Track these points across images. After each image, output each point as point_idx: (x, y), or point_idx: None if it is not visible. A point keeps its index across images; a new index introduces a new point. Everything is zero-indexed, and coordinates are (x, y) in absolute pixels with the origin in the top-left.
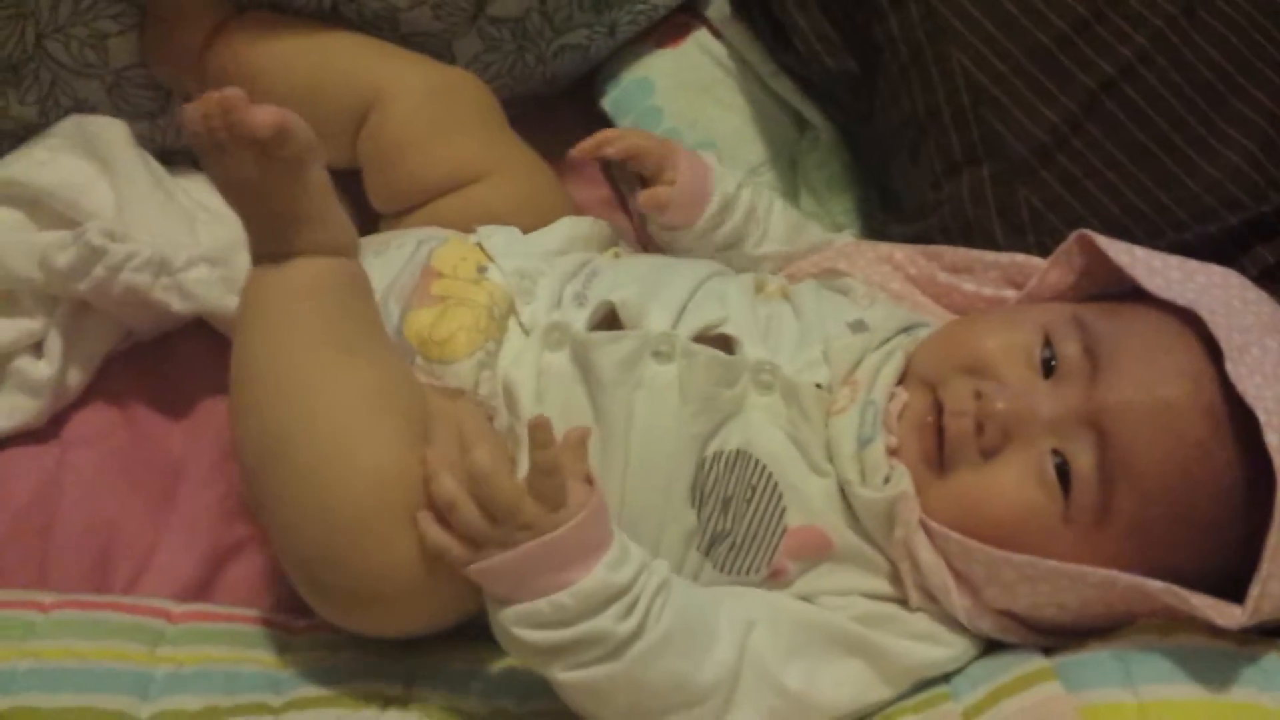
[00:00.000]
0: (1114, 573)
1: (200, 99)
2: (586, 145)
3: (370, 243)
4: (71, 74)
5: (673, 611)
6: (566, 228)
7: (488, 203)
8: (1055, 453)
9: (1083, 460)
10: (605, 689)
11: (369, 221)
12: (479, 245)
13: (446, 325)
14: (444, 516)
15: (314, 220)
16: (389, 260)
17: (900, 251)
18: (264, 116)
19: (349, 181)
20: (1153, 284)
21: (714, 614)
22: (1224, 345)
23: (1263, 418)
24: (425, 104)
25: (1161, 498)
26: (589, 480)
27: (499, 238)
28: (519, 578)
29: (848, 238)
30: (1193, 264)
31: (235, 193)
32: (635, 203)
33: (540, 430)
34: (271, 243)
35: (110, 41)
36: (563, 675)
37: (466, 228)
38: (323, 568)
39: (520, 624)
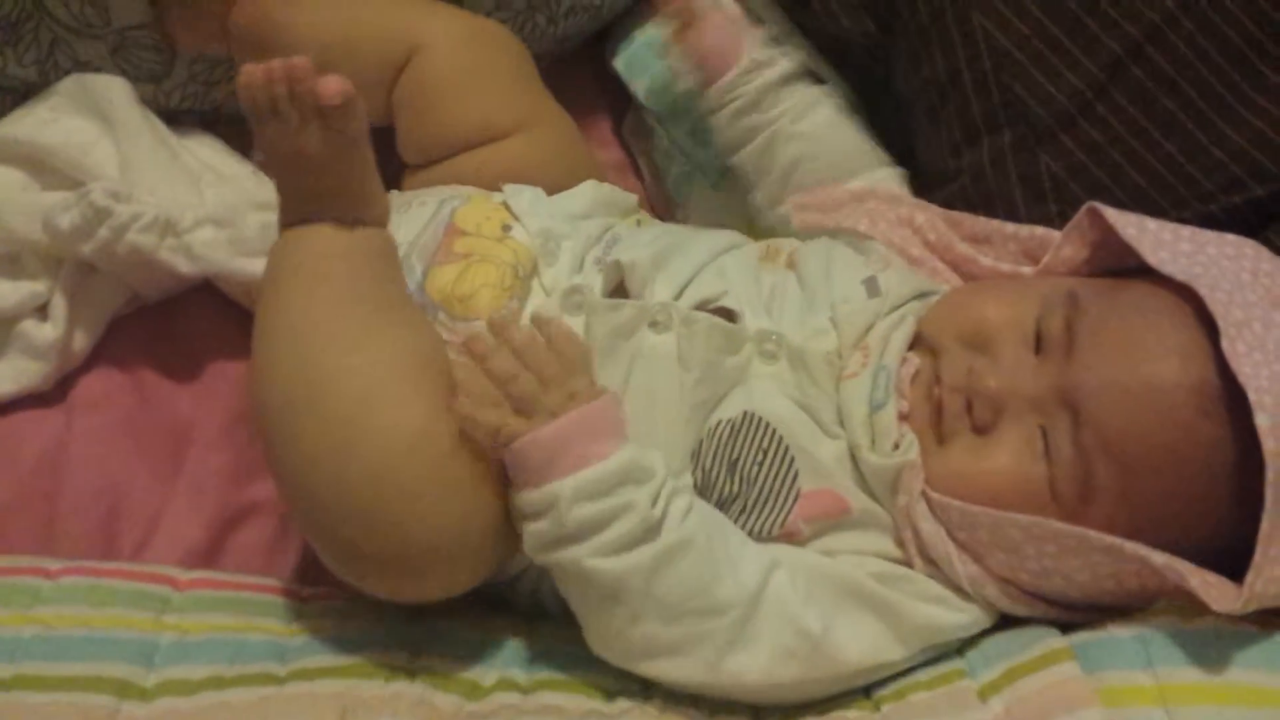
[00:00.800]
0: (1117, 540)
1: (264, 64)
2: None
3: (392, 201)
4: (72, 34)
5: (697, 522)
6: (590, 190)
7: (518, 157)
8: (1042, 429)
9: (1060, 438)
10: (624, 581)
11: (390, 178)
12: (504, 204)
13: (470, 281)
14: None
15: (356, 194)
16: (412, 218)
17: (921, 214)
18: (333, 86)
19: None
20: (1157, 258)
21: (739, 545)
22: (1220, 322)
23: (1253, 397)
24: (462, 51)
25: (1145, 474)
26: None
27: (524, 197)
28: (565, 444)
29: (886, 175)
30: (1206, 235)
31: (284, 162)
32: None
33: (554, 324)
34: (305, 210)
35: (111, 1)
36: (591, 562)
37: (493, 183)
38: (348, 527)
39: (572, 499)
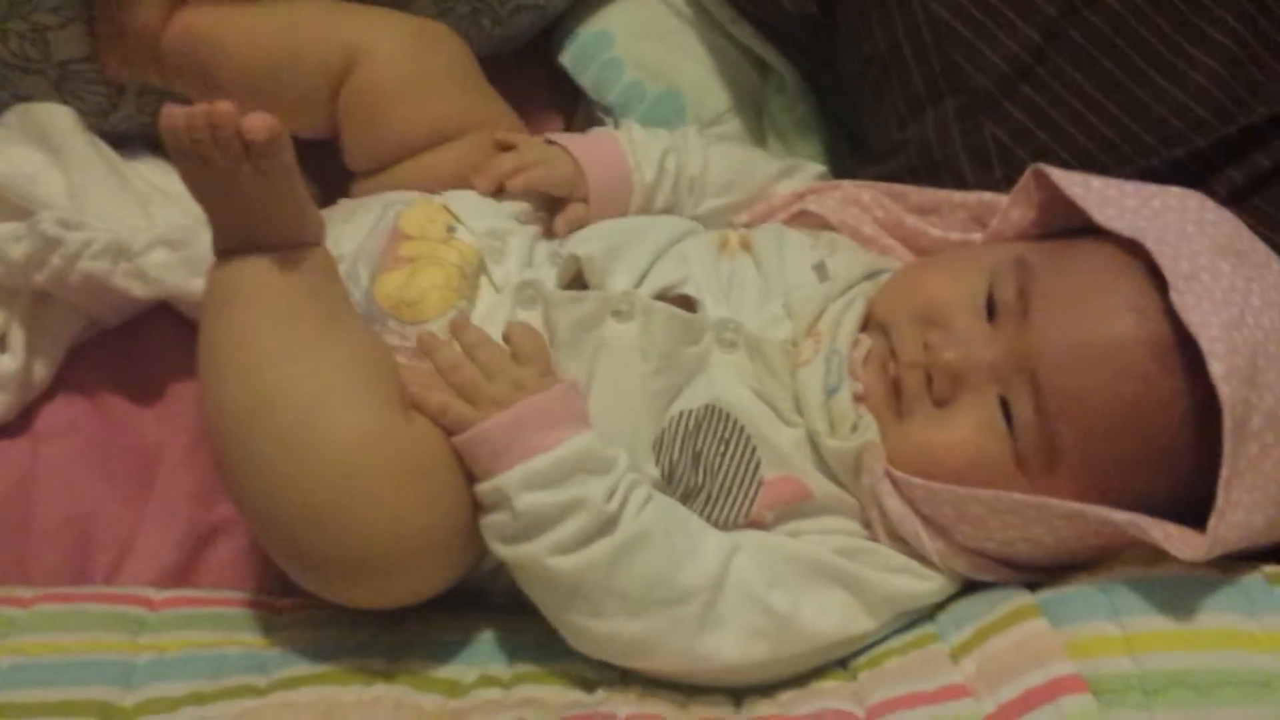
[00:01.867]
0: (1079, 505)
1: (185, 109)
2: (488, 176)
3: (335, 212)
4: (12, 70)
5: (654, 512)
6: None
7: (467, 160)
8: (1001, 398)
9: (1021, 405)
10: (585, 577)
11: (331, 192)
12: (445, 207)
13: (417, 285)
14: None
15: (289, 221)
16: (355, 226)
17: (867, 192)
18: (259, 122)
19: (311, 151)
20: (1103, 215)
21: (699, 532)
22: (1168, 274)
23: (1206, 346)
24: (406, 55)
25: (1110, 433)
26: None
27: (467, 199)
28: (515, 433)
29: (813, 167)
30: (1151, 189)
31: (214, 200)
32: (556, 228)
33: (514, 324)
34: (241, 241)
35: (51, 35)
36: (549, 560)
37: (443, 186)
38: (310, 533)
39: (519, 487)
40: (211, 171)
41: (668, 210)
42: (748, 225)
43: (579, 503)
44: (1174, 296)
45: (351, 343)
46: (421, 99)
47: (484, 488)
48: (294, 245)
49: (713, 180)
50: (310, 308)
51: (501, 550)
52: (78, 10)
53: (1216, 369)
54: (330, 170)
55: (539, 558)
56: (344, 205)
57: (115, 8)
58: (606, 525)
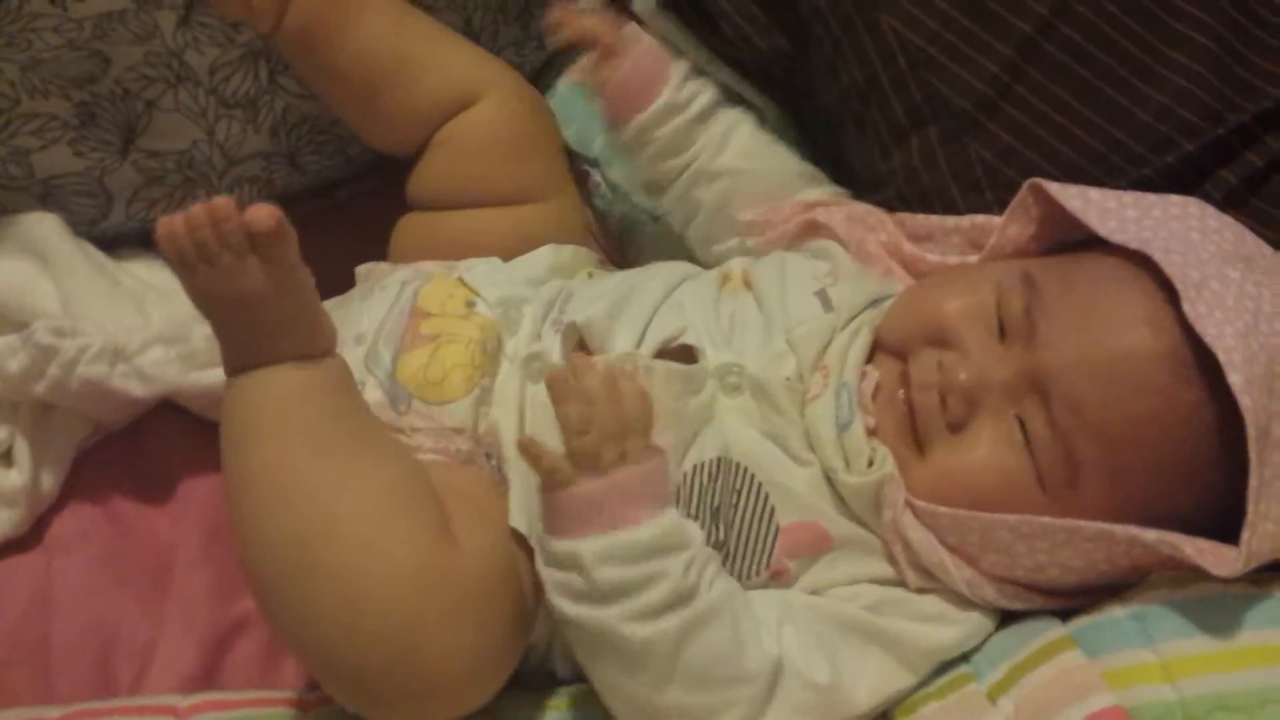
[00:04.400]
0: (1107, 525)
1: (183, 214)
2: (548, 20)
3: (352, 293)
4: None
5: (724, 590)
6: (549, 255)
7: (533, 226)
8: (1019, 418)
9: (1037, 424)
10: (655, 647)
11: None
12: (461, 280)
13: (440, 364)
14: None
15: (304, 325)
16: (374, 303)
17: (873, 216)
18: (263, 212)
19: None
20: (1106, 228)
21: (754, 607)
22: (1179, 285)
23: (1223, 357)
24: (516, 115)
25: (1129, 447)
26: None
27: (480, 270)
28: (605, 503)
29: (834, 189)
30: (1150, 198)
31: (225, 307)
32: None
33: (628, 379)
34: (254, 354)
35: (34, 156)
36: (623, 627)
37: (485, 244)
38: (373, 674)
39: (602, 559)
40: (218, 274)
41: (672, 149)
42: (755, 237)
43: (661, 575)
44: (1186, 307)
45: (387, 463)
46: (513, 160)
47: (557, 546)
48: (308, 355)
49: (737, 142)
50: (339, 430)
51: (567, 608)
52: (59, 132)
53: (1235, 380)
54: (378, 220)
55: (611, 623)
56: (360, 286)
57: None
58: (683, 598)
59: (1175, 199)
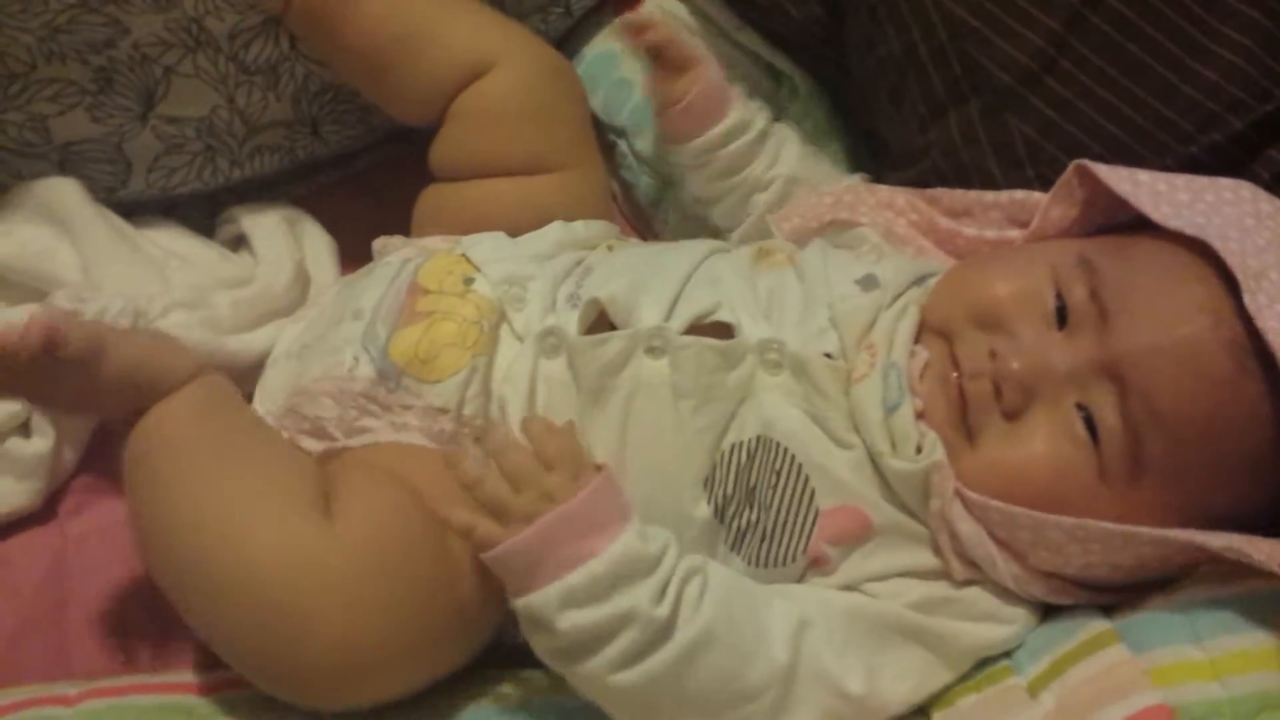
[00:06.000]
0: (1170, 531)
1: None
2: (630, 19)
3: (359, 271)
4: (14, 155)
5: (714, 602)
6: (558, 232)
7: (545, 197)
8: (1080, 407)
9: (1107, 412)
10: (653, 688)
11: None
12: (464, 256)
13: (432, 342)
14: (469, 496)
15: (149, 369)
16: (376, 279)
17: (901, 196)
18: (33, 330)
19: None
20: (1160, 213)
21: (765, 611)
22: (1239, 276)
23: None
24: (536, 82)
25: (1194, 440)
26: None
27: (484, 245)
28: (546, 548)
29: (857, 179)
30: (1201, 181)
31: (63, 402)
32: (649, 88)
33: (534, 421)
34: (124, 410)
35: (51, 122)
36: (611, 678)
37: (507, 215)
38: (269, 661)
39: (558, 607)
40: (31, 383)
41: (738, 163)
42: (787, 231)
43: (628, 615)
44: (1246, 299)
45: (254, 463)
46: (533, 128)
47: (518, 606)
48: (176, 386)
49: (790, 151)
50: (206, 442)
51: (560, 669)
52: (76, 97)
53: None
54: (400, 189)
55: (600, 676)
56: (371, 263)
57: None
58: (662, 633)
59: (1226, 182)
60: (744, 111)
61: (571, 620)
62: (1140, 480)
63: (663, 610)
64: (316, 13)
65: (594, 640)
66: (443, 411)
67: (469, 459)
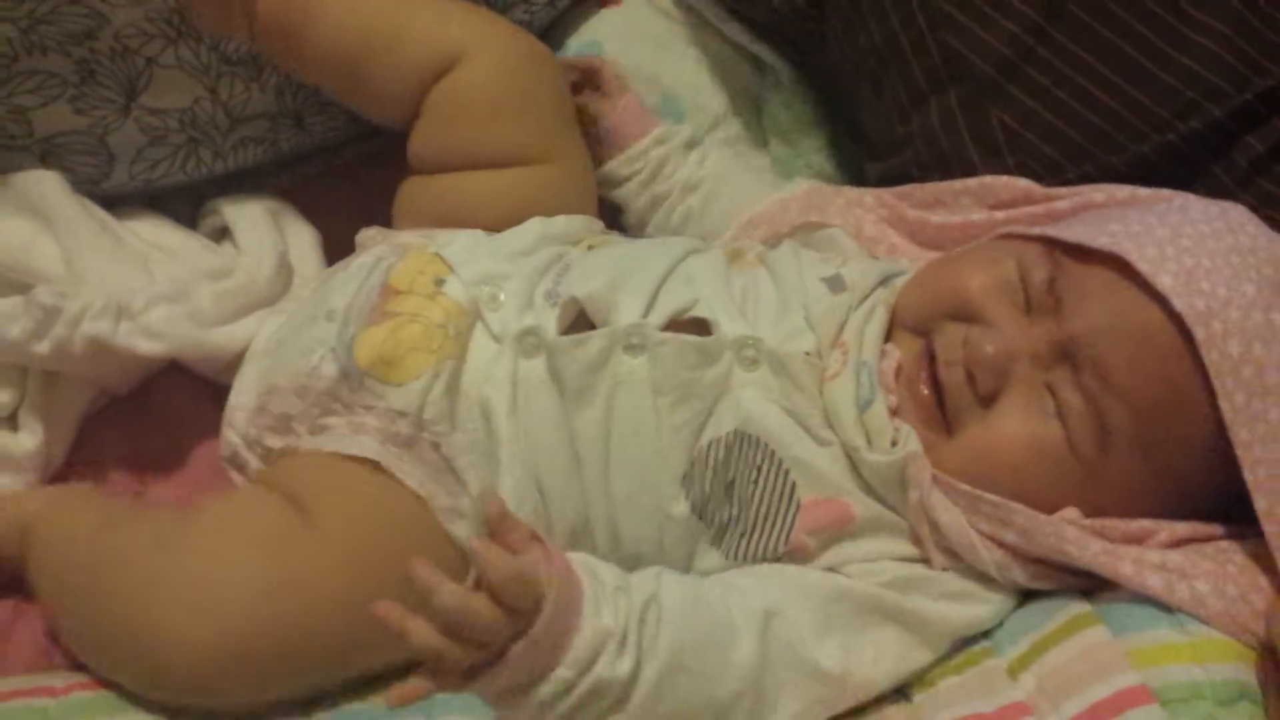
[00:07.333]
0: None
1: None
2: (569, 61)
3: (336, 269)
4: None
5: (671, 630)
6: (537, 228)
7: (524, 189)
8: (1048, 386)
9: (1067, 391)
10: None
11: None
12: (438, 255)
13: (398, 343)
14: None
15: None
16: (349, 277)
17: (869, 196)
18: None
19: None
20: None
21: (724, 613)
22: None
23: (1200, 334)
24: (509, 71)
25: (1153, 413)
26: (535, 538)
27: (458, 244)
28: (521, 675)
29: (802, 184)
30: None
31: None
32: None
33: (495, 513)
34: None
35: (33, 114)
36: None
37: (487, 208)
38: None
39: (536, 714)
40: None
41: (660, 172)
42: (755, 237)
43: (595, 689)
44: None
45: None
46: (508, 118)
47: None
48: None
49: (715, 157)
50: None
51: None
52: (58, 90)
53: (1200, 333)
54: (384, 181)
55: None
56: (344, 260)
57: None
58: (630, 682)
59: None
60: (669, 130)
61: (554, 714)
62: (1108, 454)
63: (624, 666)
64: (279, 29)
65: (568, 715)
66: (402, 415)
67: (423, 631)
